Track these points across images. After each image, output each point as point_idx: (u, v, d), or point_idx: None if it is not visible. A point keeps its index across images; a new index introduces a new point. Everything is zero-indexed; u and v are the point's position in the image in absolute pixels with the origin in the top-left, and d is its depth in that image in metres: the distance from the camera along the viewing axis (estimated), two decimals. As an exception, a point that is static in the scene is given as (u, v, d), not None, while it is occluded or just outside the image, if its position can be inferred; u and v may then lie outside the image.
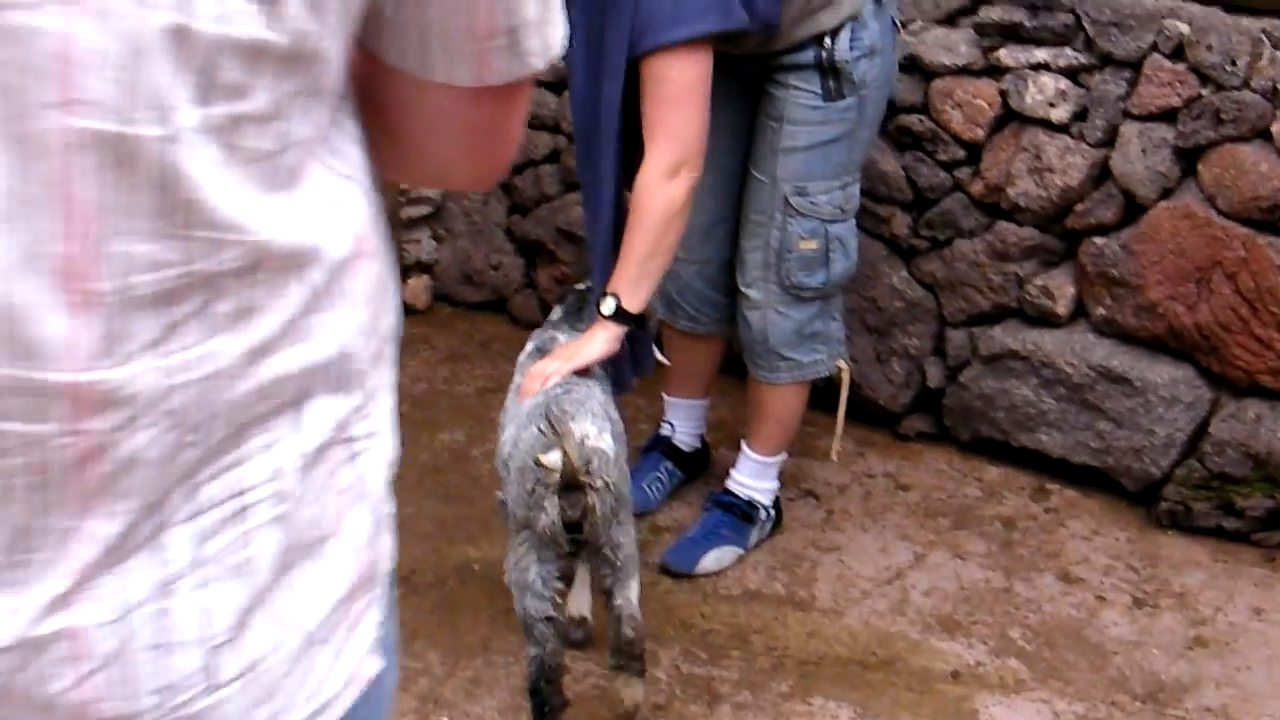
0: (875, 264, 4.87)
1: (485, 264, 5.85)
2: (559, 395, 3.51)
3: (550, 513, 3.33)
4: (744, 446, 4.48)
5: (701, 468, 4.84)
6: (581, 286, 4.07)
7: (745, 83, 4.07)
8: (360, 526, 1.42)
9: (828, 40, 3.88)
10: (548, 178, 5.59)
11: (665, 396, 4.77)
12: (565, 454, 3.27)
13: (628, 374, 4.02)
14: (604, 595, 3.57)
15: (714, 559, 4.36)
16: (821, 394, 4.53)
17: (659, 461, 4.72)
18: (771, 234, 4.09)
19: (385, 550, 1.49)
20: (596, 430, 3.42)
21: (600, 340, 3.73)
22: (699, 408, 4.77)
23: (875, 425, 4.99)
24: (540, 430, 3.39)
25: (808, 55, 3.91)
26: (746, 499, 4.45)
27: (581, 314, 3.90)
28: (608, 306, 3.74)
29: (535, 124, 5.55)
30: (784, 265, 4.09)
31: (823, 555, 4.44)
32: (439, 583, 4.15)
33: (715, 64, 3.76)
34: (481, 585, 4.21)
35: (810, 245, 4.06)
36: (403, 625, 3.35)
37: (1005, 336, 4.74)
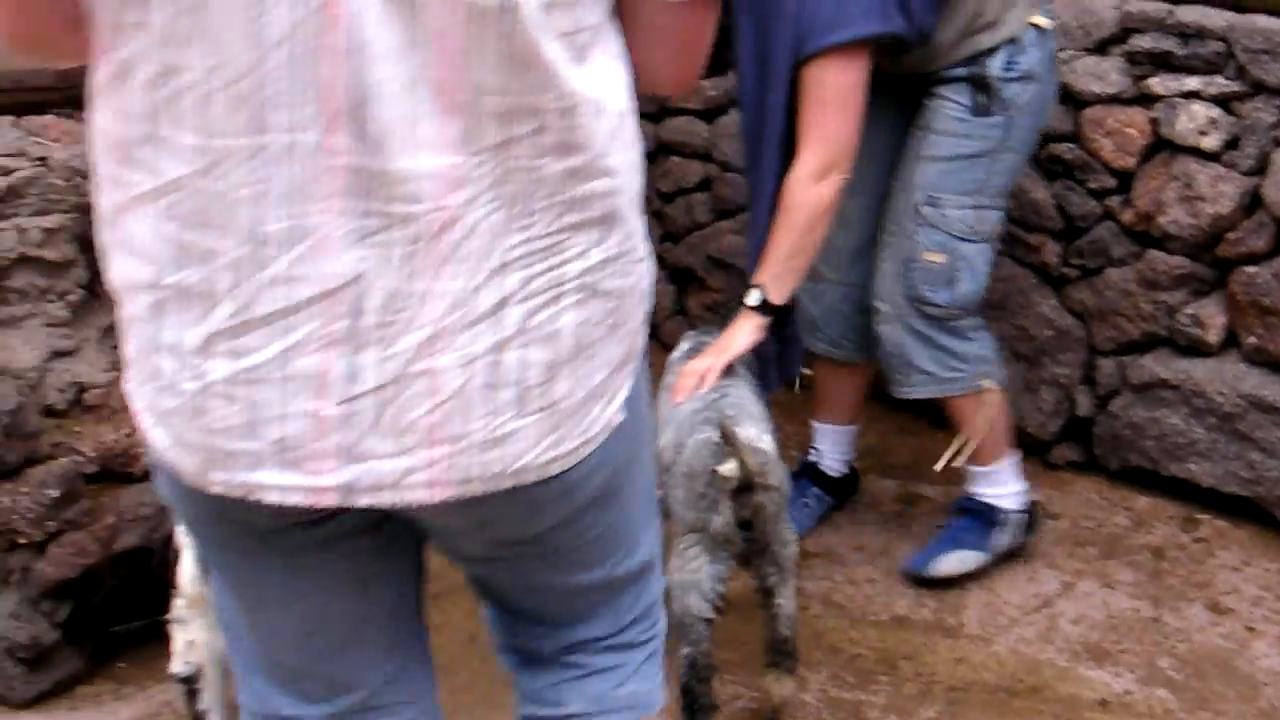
0: (1026, 292, 4.87)
1: (637, 291, 5.89)
2: (719, 401, 3.65)
3: (725, 514, 3.48)
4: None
5: (850, 493, 4.87)
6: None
7: (904, 103, 4.13)
8: (635, 317, 2.00)
9: (984, 58, 3.94)
10: (699, 206, 5.66)
11: (812, 423, 4.79)
12: (742, 462, 3.42)
13: (773, 375, 4.09)
14: (764, 595, 3.66)
15: (954, 561, 4.42)
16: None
17: (807, 487, 4.75)
18: (901, 243, 4.13)
19: (644, 338, 2.03)
20: (758, 432, 3.56)
21: (745, 331, 3.85)
22: (847, 434, 4.78)
23: (1025, 453, 4.98)
24: (715, 441, 3.51)
25: (962, 71, 3.97)
26: (985, 503, 4.46)
27: None
28: (753, 298, 3.86)
29: (687, 153, 5.62)
30: (909, 275, 4.12)
31: (971, 582, 4.45)
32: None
33: (877, 88, 3.82)
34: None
35: (936, 259, 4.08)
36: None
37: (1155, 365, 4.73)
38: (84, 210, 3.73)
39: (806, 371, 4.37)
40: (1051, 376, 4.95)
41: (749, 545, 3.58)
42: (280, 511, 1.90)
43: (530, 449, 1.90)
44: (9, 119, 3.83)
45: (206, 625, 3.20)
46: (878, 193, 4.24)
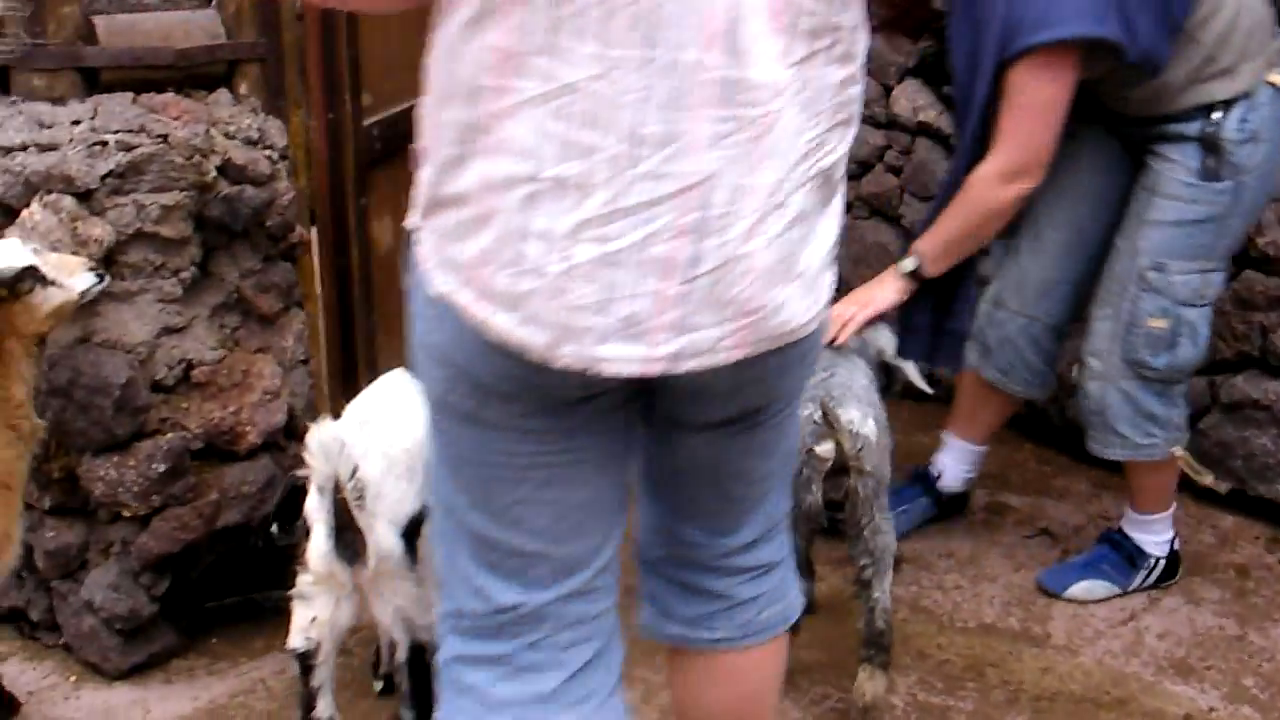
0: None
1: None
2: (826, 381, 3.70)
3: (816, 494, 3.61)
4: (1130, 501, 4.50)
5: (958, 509, 4.87)
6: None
7: (1127, 151, 4.11)
8: (840, 205, 2.37)
9: (1217, 114, 3.88)
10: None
11: (944, 435, 4.79)
12: (838, 444, 3.55)
13: (916, 347, 4.14)
14: (860, 587, 3.72)
15: (1084, 589, 4.44)
16: (1061, 436, 4.55)
17: (916, 495, 4.76)
18: (1123, 306, 4.10)
19: None
20: (861, 416, 3.63)
21: (890, 289, 3.95)
22: (975, 453, 4.77)
23: (1112, 469, 4.99)
24: (816, 420, 3.61)
25: (1193, 127, 3.92)
26: (1135, 543, 4.46)
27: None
28: (908, 263, 3.93)
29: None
30: (1130, 339, 4.09)
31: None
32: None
33: (1102, 124, 3.86)
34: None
35: (1159, 324, 4.05)
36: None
37: (1246, 385, 4.73)
38: (202, 189, 3.78)
39: (927, 389, 4.34)
40: (1141, 393, 4.94)
41: (839, 528, 3.70)
42: (589, 382, 2.26)
43: (799, 311, 2.30)
44: (128, 96, 3.86)
45: (330, 602, 3.24)
46: (1086, 235, 4.24)
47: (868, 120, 5.42)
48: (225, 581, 4.26)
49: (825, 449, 3.59)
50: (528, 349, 2.20)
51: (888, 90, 5.38)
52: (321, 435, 3.13)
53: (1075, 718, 3.91)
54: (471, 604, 2.57)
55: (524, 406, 2.34)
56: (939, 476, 4.79)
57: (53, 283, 3.44)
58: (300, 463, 3.65)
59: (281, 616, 4.24)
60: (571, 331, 2.18)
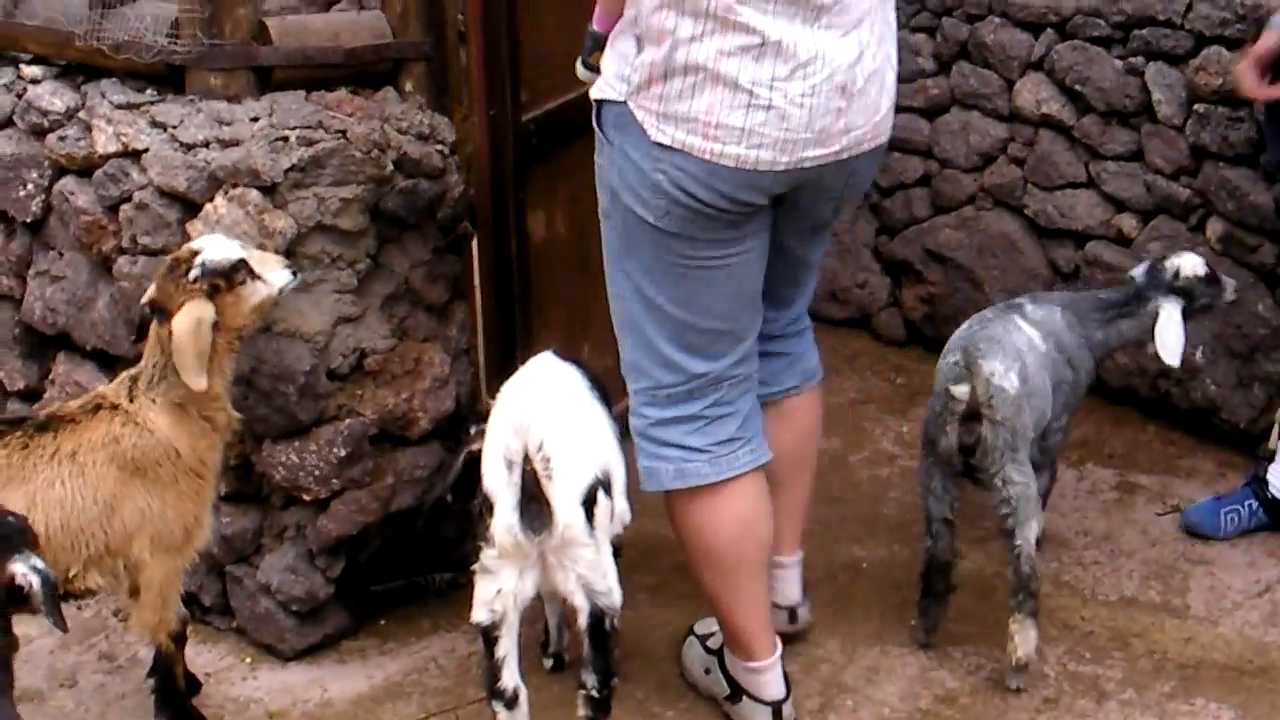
0: (1242, 290, 4.91)
1: (851, 282, 6.10)
2: (978, 334, 3.96)
3: (950, 436, 3.88)
4: None
5: None
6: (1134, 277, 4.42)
7: None
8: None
9: None
10: (918, 200, 5.78)
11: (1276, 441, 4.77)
12: (973, 389, 3.80)
13: None
14: (1005, 537, 3.92)
15: None
16: (1185, 418, 4.63)
17: (1246, 497, 4.73)
18: None
19: None
20: (1003, 369, 3.87)
21: None
22: None
23: (1237, 448, 5.09)
24: (959, 364, 3.87)
25: None
26: None
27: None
28: None
29: (907, 149, 5.73)
30: None
31: (1194, 567, 4.59)
32: (829, 578, 4.38)
33: None
34: (873, 582, 4.51)
35: None
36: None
37: None
38: (380, 182, 3.92)
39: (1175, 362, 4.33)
40: (1264, 374, 5.01)
41: (968, 470, 3.93)
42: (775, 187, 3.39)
43: (890, 118, 3.50)
44: (300, 94, 4.00)
45: (514, 574, 3.34)
46: None
47: (990, 113, 5.49)
48: (389, 565, 4.40)
49: (961, 390, 3.84)
50: (758, 163, 3.29)
51: (1010, 84, 5.46)
52: (510, 412, 3.25)
53: (1221, 686, 4.03)
54: (668, 377, 3.61)
55: (722, 220, 3.38)
56: (1268, 481, 4.69)
57: (259, 277, 3.60)
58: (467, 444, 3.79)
59: (445, 598, 4.39)
60: (787, 145, 3.28)
